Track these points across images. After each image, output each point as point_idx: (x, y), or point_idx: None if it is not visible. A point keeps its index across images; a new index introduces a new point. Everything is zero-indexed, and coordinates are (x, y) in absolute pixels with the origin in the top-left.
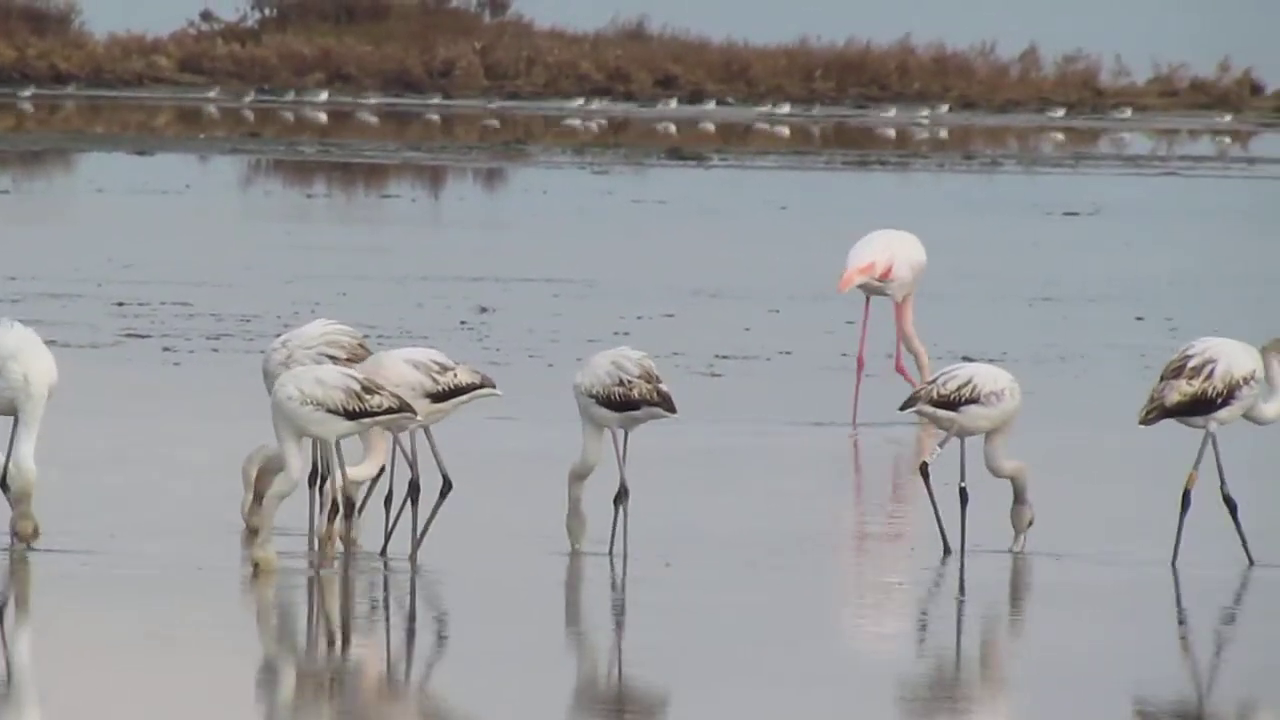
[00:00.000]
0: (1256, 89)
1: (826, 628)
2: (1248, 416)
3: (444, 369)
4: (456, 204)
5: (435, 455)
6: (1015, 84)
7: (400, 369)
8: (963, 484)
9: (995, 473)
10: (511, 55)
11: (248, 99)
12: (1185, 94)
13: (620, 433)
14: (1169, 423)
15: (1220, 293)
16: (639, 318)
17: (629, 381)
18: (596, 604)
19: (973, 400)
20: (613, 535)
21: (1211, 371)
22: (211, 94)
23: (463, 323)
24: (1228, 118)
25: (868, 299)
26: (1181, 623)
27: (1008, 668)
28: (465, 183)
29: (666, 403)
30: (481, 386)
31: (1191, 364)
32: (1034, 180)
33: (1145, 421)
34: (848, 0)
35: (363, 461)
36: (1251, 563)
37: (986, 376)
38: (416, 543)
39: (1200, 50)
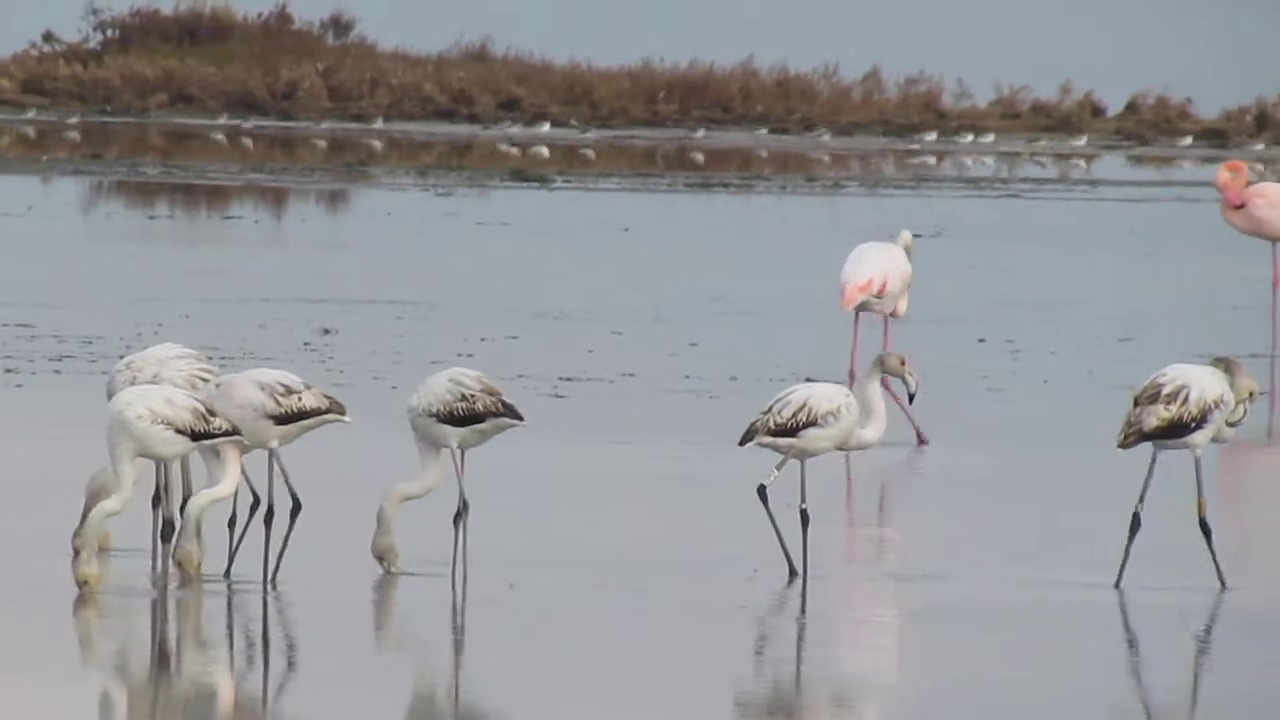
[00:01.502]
0: (1098, 111)
1: (669, 648)
2: (1213, 438)
3: (289, 391)
4: (299, 225)
5: (284, 478)
6: (858, 106)
7: (246, 390)
8: (803, 506)
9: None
10: (355, 77)
11: (90, 120)
12: (1027, 116)
13: (458, 452)
14: (996, 445)
15: (1060, 314)
16: (482, 339)
17: (471, 396)
18: (438, 625)
19: (810, 423)
20: (454, 556)
21: (1186, 397)
22: (53, 116)
23: (306, 344)
24: (1082, 140)
25: (856, 315)
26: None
27: (846, 688)
28: (308, 204)
29: (513, 412)
30: (329, 411)
31: (1166, 390)
32: (876, 202)
33: (1124, 445)
34: (691, 23)
35: (219, 482)
36: (1223, 583)
37: (821, 397)
38: (273, 565)
39: (1042, 73)
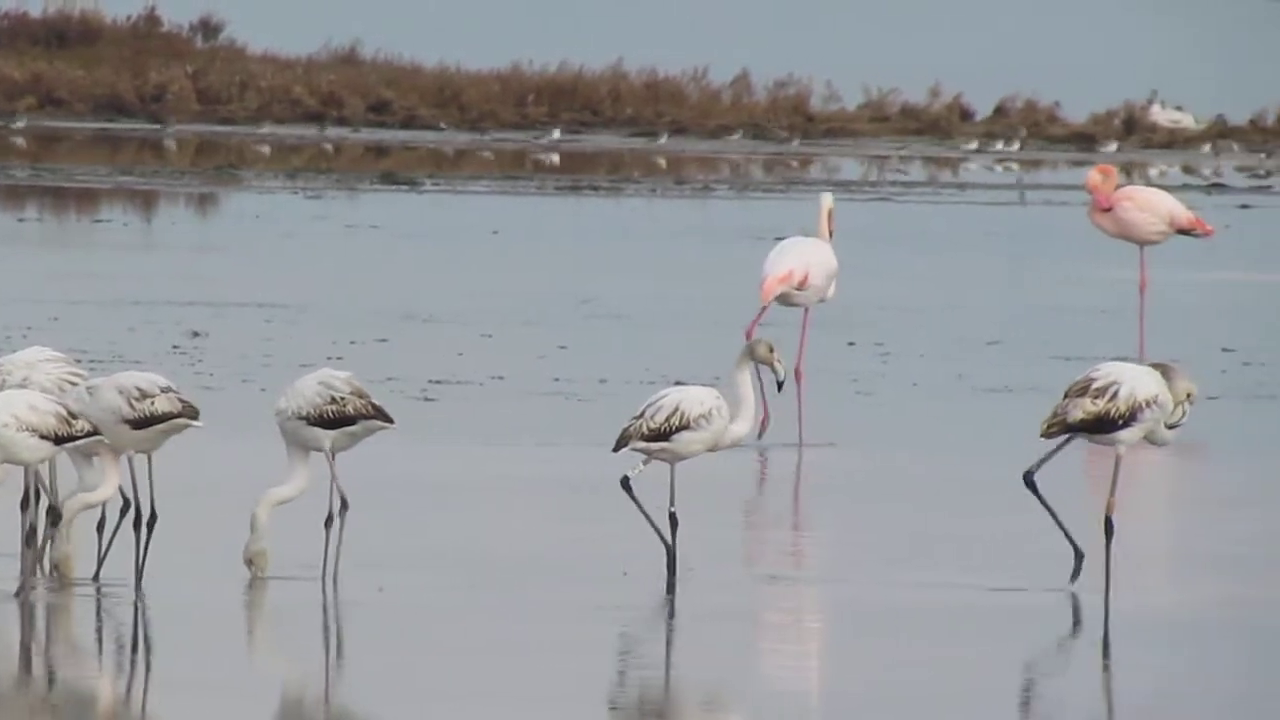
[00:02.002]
0: (966, 115)
1: (539, 650)
2: (1148, 439)
3: (144, 396)
4: (169, 228)
5: (149, 483)
6: (727, 109)
7: (107, 394)
8: (672, 509)
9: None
10: (224, 80)
11: None
12: (896, 119)
13: (331, 455)
14: (866, 447)
15: (928, 317)
16: (352, 342)
17: (341, 398)
18: (308, 628)
19: (683, 427)
20: (325, 559)
21: (1115, 393)
22: None
23: (175, 347)
24: (972, 144)
25: (805, 311)
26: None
27: (715, 690)
28: (177, 207)
29: (382, 414)
30: (180, 416)
31: (1096, 384)
32: (745, 205)
33: (1046, 435)
34: (560, 26)
35: (94, 487)
36: (1108, 588)
37: (693, 401)
38: (138, 571)
39: (911, 76)
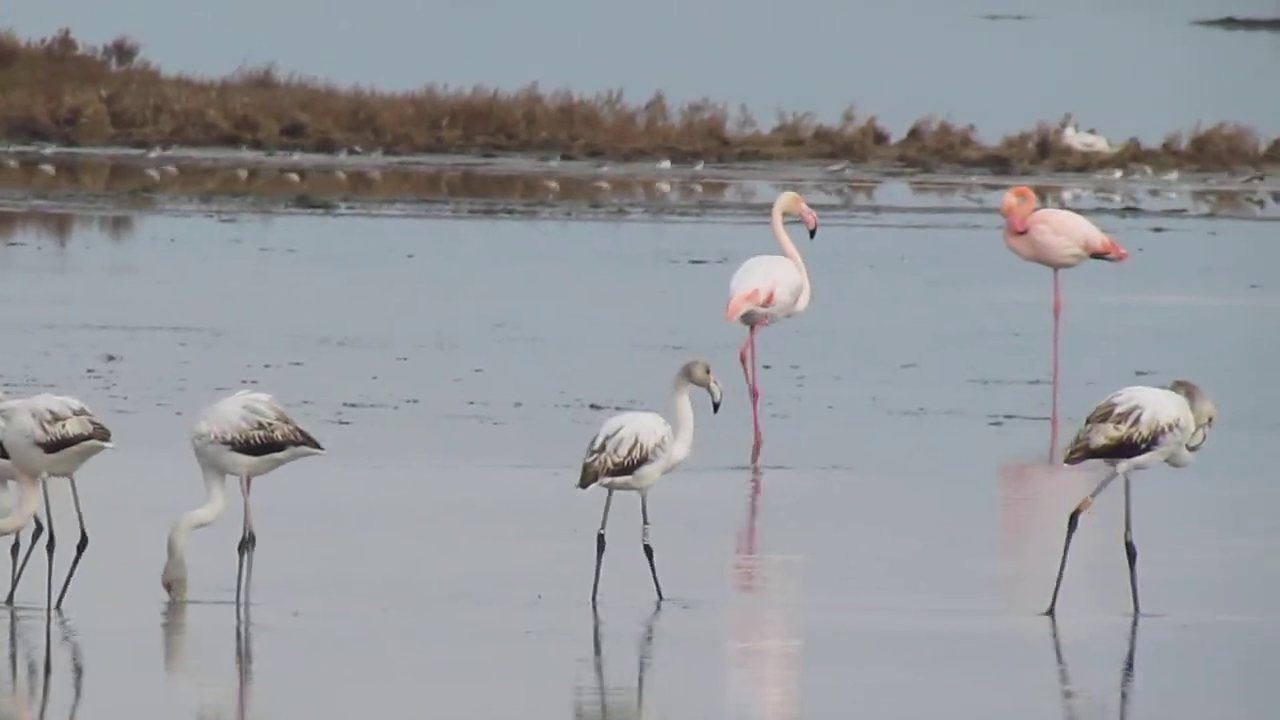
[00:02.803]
0: (881, 138)
1: (451, 674)
2: (1169, 462)
3: (56, 418)
4: (83, 252)
5: (76, 508)
6: (642, 133)
7: (20, 417)
8: (646, 541)
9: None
10: (139, 103)
11: None
12: (810, 143)
13: (244, 481)
14: (783, 470)
15: (843, 339)
16: (267, 366)
17: (269, 424)
18: (223, 653)
19: (644, 460)
20: (239, 583)
21: (1138, 418)
22: None
23: (90, 371)
24: (942, 171)
25: (752, 328)
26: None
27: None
28: (92, 231)
29: (311, 440)
30: (91, 438)
31: (1119, 410)
32: (660, 228)
33: (1070, 461)
34: (474, 49)
35: (13, 511)
36: (1138, 611)
37: (648, 431)
38: (59, 594)
39: (825, 99)
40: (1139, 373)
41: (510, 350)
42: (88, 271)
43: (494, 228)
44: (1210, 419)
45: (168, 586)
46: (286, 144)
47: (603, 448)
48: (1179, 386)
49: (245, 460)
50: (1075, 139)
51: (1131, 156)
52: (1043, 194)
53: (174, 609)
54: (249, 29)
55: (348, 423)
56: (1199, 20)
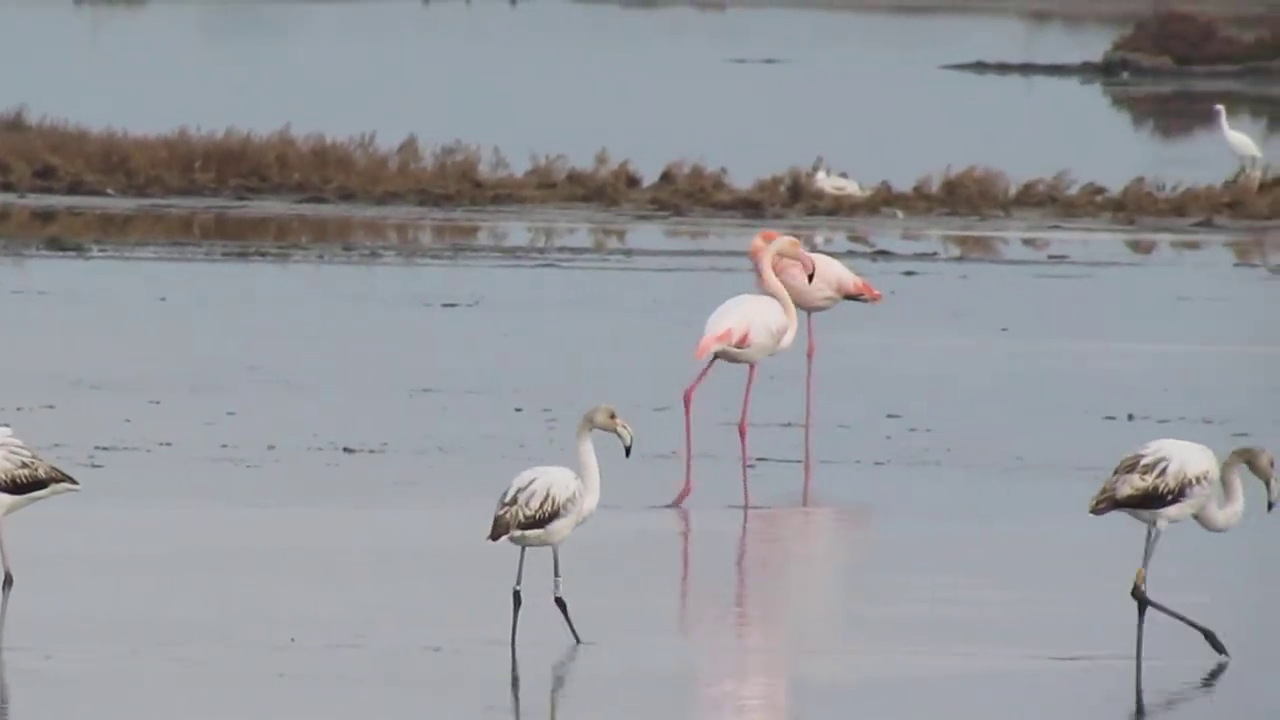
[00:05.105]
0: (633, 181)
1: (206, 714)
2: (1198, 518)
3: None
4: None
5: None
6: (395, 175)
7: None
8: (558, 594)
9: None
10: None
11: None
12: (563, 185)
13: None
14: None
15: (596, 382)
16: (19, 409)
17: (32, 463)
18: None
19: (555, 514)
20: None
21: (1165, 469)
22: None
23: None
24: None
25: (751, 367)
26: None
27: None
28: None
29: (69, 477)
30: None
31: (1145, 461)
32: (413, 272)
33: (1095, 511)
34: (227, 91)
35: None
36: (1139, 658)
37: (560, 485)
38: None
39: (578, 143)
40: (890, 415)
41: (263, 393)
42: None
43: (247, 270)
44: (1273, 463)
45: None
46: (38, 186)
47: (514, 500)
48: (1241, 455)
49: (6, 500)
50: (827, 182)
51: (883, 200)
52: (795, 238)
53: None
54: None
55: (100, 465)
56: (949, 64)
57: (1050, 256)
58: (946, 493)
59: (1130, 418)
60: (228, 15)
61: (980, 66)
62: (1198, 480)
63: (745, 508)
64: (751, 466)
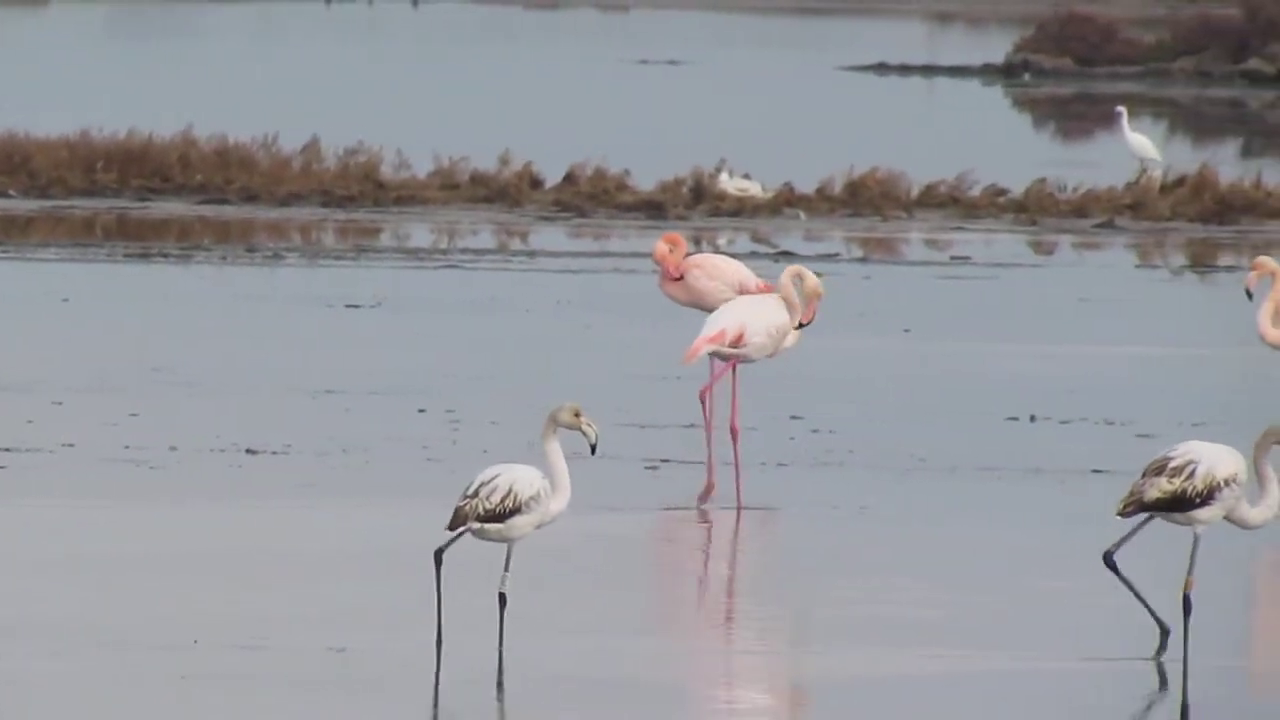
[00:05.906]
0: (536, 183)
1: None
2: (1230, 519)
3: None
4: None
5: None
6: (298, 176)
7: None
8: (503, 589)
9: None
10: None
11: None
12: (466, 187)
13: None
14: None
15: (500, 384)
16: None
17: None
18: None
19: (516, 510)
20: None
21: (1193, 472)
22: None
23: None
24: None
25: (734, 367)
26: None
27: None
28: None
29: None
30: None
31: (1173, 464)
32: (316, 273)
33: (1122, 514)
34: (130, 92)
35: None
36: (1161, 656)
37: (523, 482)
38: None
39: (480, 144)
40: (793, 416)
41: (166, 394)
42: None
43: (149, 271)
44: None
45: None
46: None
47: (476, 493)
48: (1269, 437)
49: None
50: (729, 184)
51: (785, 201)
52: (698, 239)
53: None
54: None
55: (3, 467)
56: (851, 66)
57: (952, 257)
58: (851, 493)
59: (1032, 419)
60: (131, 16)
61: (882, 68)
62: (1226, 483)
63: (738, 509)
64: (655, 467)
